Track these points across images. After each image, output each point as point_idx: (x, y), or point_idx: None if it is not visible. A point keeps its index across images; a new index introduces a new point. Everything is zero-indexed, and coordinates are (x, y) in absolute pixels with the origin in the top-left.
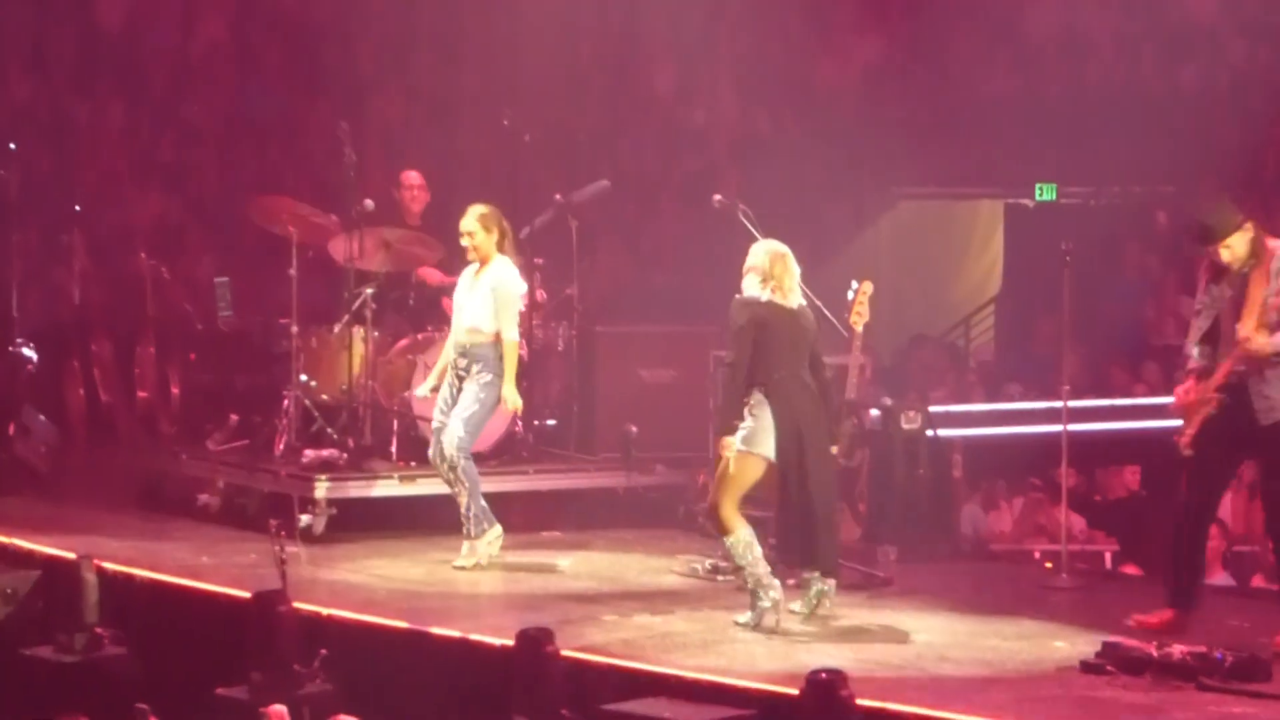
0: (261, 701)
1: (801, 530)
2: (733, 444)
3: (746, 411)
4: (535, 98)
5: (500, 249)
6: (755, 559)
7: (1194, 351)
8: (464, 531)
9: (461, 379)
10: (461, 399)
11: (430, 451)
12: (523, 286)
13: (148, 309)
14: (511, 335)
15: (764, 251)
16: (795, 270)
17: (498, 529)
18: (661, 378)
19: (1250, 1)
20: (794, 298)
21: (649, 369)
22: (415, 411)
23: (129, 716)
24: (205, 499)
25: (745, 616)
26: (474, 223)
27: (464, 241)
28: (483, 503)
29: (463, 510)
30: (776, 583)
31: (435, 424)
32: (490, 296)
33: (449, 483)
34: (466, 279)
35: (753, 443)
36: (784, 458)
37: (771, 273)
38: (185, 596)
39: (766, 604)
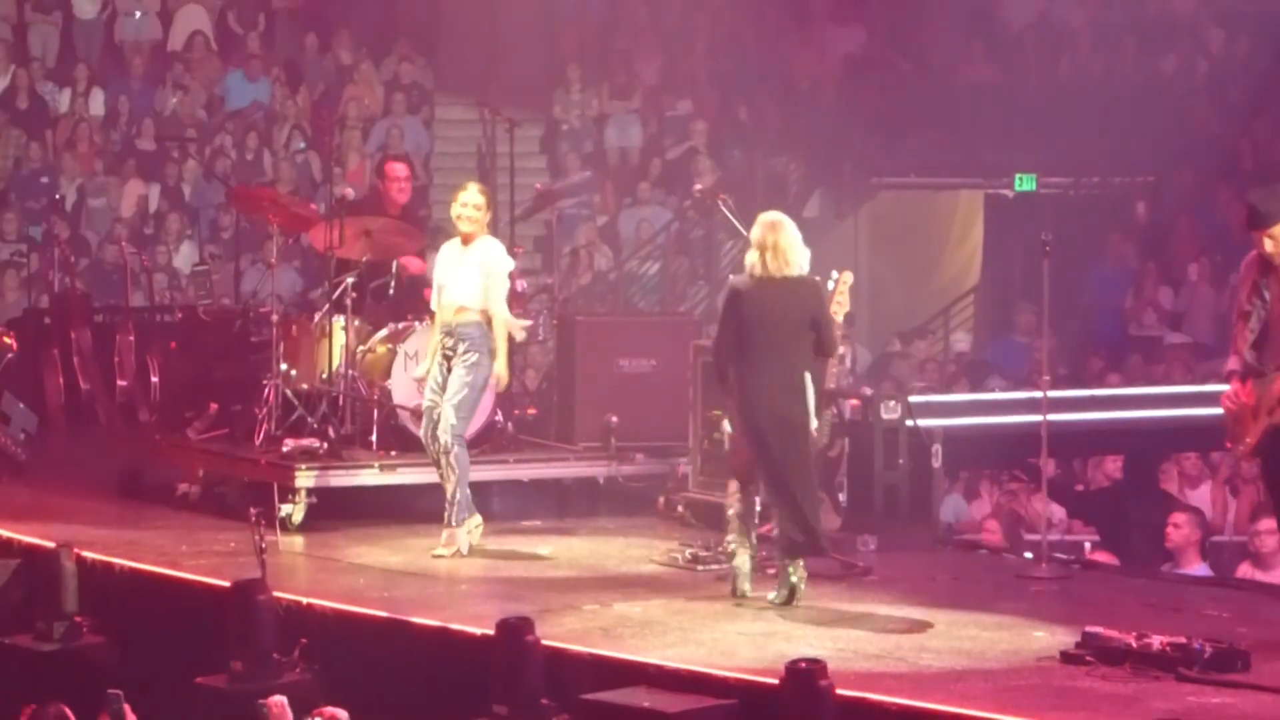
0: (241, 690)
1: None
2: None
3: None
4: (515, 86)
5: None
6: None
7: (1249, 357)
8: (445, 519)
9: (449, 359)
10: (450, 383)
11: (422, 430)
12: (510, 264)
13: (127, 297)
14: (502, 312)
15: (757, 223)
16: (791, 235)
17: (477, 518)
18: (641, 367)
19: None
20: (792, 267)
21: (629, 358)
22: (395, 401)
23: (103, 702)
24: (185, 488)
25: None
26: (481, 196)
27: (466, 212)
28: (468, 491)
29: (448, 496)
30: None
31: (427, 403)
32: (479, 272)
33: (438, 465)
34: (450, 256)
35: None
36: (752, 443)
37: (764, 241)
38: (165, 585)
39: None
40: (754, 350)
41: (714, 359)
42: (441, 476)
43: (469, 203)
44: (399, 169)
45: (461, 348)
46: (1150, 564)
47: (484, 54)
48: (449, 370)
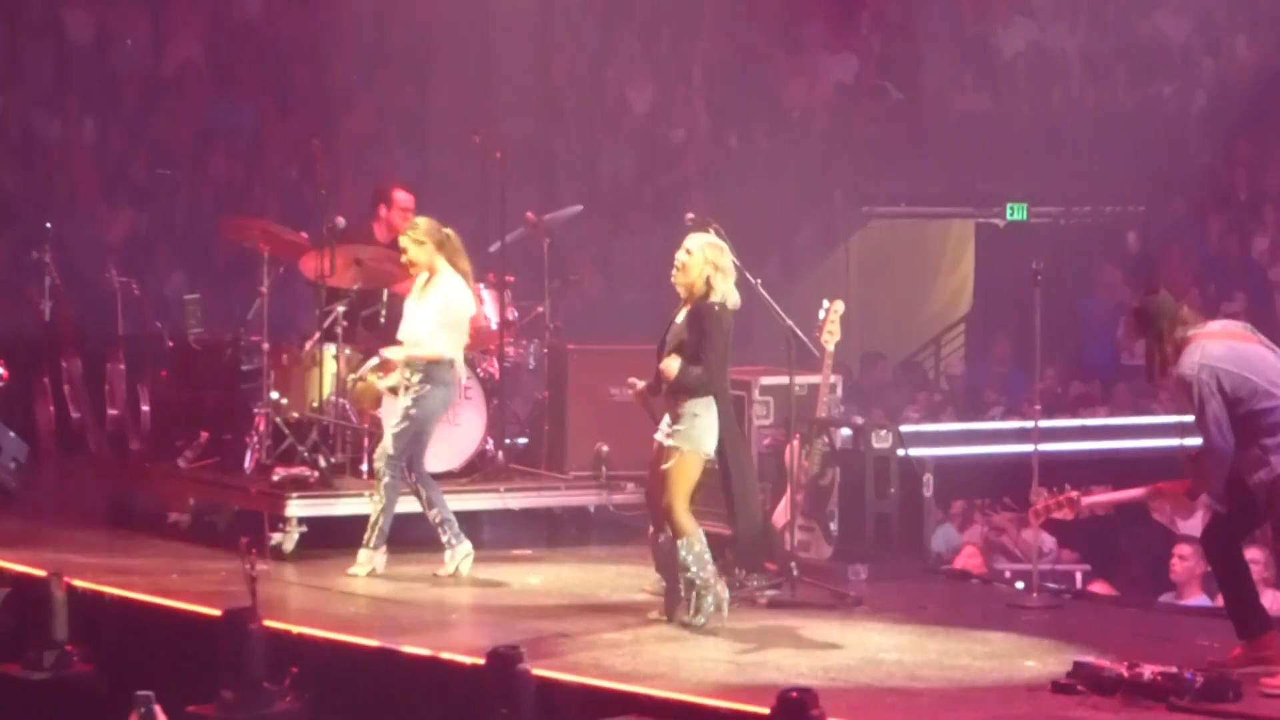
0: (232, 719)
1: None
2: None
3: (689, 411)
4: (507, 115)
5: (448, 259)
6: (709, 560)
7: None
8: (364, 539)
9: (408, 389)
10: (396, 411)
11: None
12: (471, 309)
13: (118, 325)
14: (439, 349)
15: (723, 250)
16: None
17: (466, 546)
18: (633, 396)
19: (1221, 22)
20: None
21: (620, 387)
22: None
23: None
24: (175, 516)
25: (698, 618)
26: (405, 240)
27: (403, 260)
28: (389, 523)
29: (371, 519)
30: (723, 582)
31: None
32: (435, 316)
33: (430, 501)
34: (416, 288)
35: (702, 443)
36: (723, 462)
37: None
38: (155, 614)
39: (712, 606)
40: (726, 379)
41: (712, 381)
42: (430, 505)
43: (406, 234)
44: (407, 198)
45: (416, 379)
46: (1145, 594)
47: (476, 82)
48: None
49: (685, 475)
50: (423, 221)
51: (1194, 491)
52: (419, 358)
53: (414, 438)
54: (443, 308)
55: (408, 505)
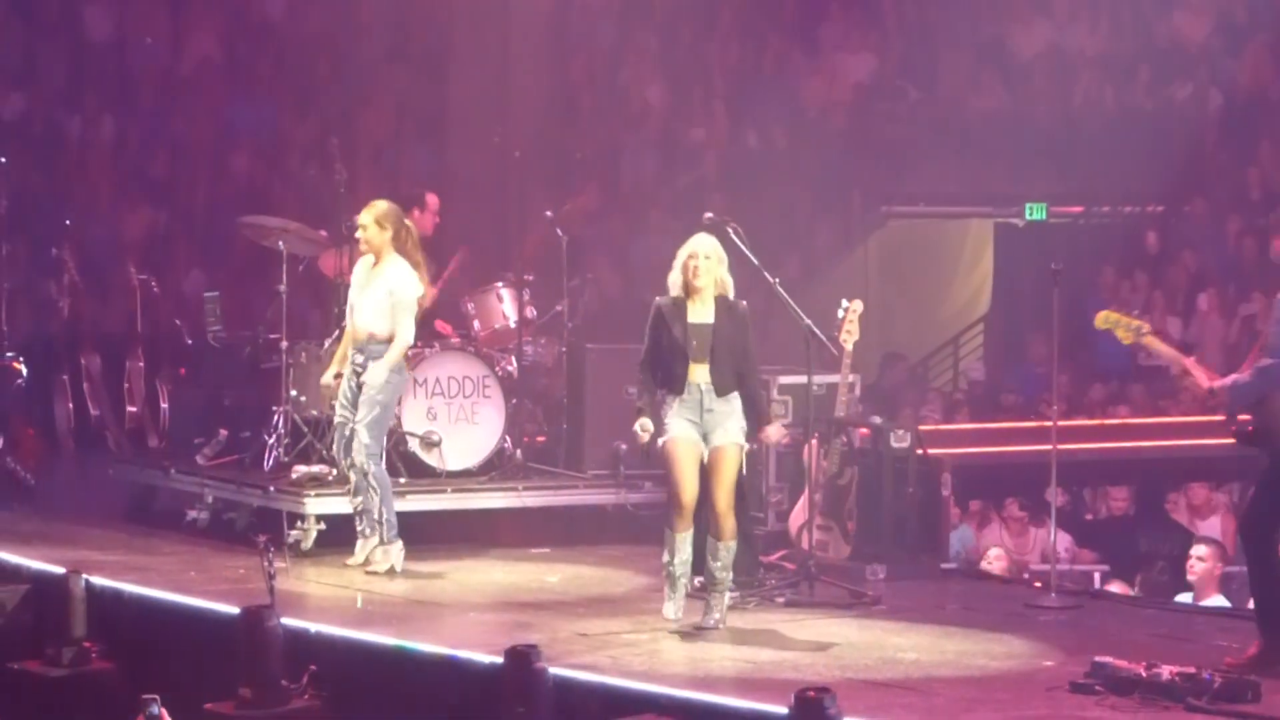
0: (250, 716)
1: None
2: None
3: (735, 407)
4: (525, 114)
5: (400, 249)
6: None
7: None
8: (379, 537)
9: (359, 374)
10: (360, 403)
11: (335, 446)
12: (418, 290)
13: (137, 323)
14: (407, 338)
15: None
16: None
17: (377, 539)
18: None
19: (1240, 22)
20: None
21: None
22: (404, 427)
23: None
24: (194, 514)
25: (714, 617)
26: (368, 217)
27: (357, 234)
28: (393, 513)
29: (375, 516)
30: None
31: (338, 419)
32: (386, 299)
33: (349, 480)
34: (360, 276)
35: (743, 436)
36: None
37: None
38: (174, 611)
39: (726, 606)
40: None
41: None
42: (356, 499)
43: (359, 223)
44: (437, 201)
45: (372, 365)
46: (1164, 594)
47: (494, 81)
48: (359, 387)
49: (737, 471)
50: (385, 204)
51: (1215, 392)
52: (397, 359)
53: (384, 423)
54: (392, 291)
55: (414, 504)
